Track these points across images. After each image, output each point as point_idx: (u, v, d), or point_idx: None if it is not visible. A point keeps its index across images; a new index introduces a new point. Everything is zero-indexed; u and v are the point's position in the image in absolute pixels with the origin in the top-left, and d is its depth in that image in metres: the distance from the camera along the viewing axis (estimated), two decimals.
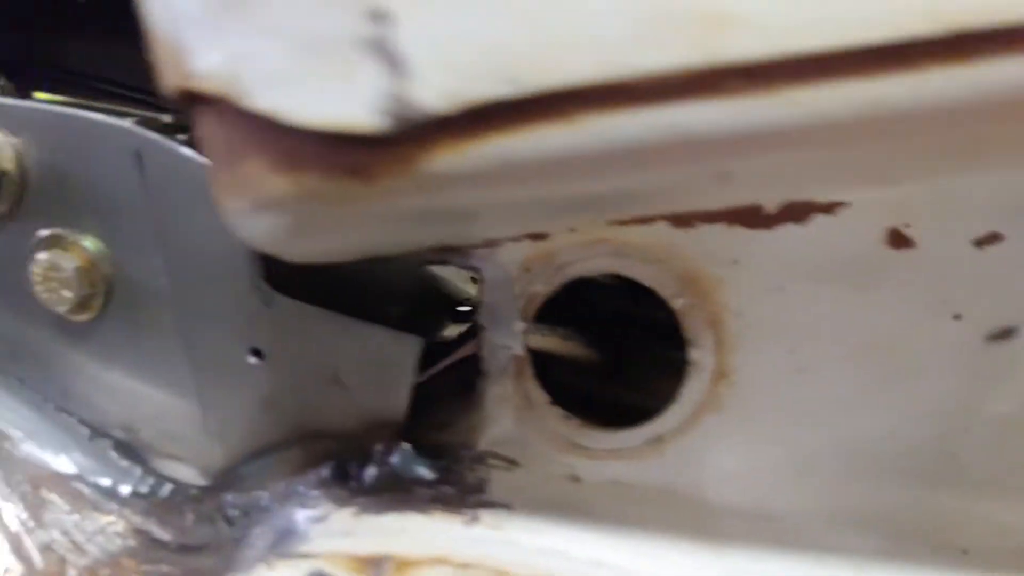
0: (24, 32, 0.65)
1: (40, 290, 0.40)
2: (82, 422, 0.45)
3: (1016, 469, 0.40)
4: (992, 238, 0.35)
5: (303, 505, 0.38)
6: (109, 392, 0.44)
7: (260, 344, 0.39)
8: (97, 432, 0.45)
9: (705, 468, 0.40)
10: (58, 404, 0.45)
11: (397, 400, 0.38)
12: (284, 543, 0.36)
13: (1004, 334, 0.38)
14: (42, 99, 0.43)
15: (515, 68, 0.17)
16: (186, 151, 0.37)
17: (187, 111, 0.24)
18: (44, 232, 0.41)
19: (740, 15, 0.16)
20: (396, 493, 0.37)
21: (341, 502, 0.37)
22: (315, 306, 0.38)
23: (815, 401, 0.39)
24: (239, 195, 0.23)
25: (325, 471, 0.40)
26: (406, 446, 0.38)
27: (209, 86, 0.20)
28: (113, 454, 0.44)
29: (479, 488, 0.38)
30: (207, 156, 0.25)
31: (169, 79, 0.23)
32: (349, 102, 0.18)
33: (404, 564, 0.30)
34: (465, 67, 0.17)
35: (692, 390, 0.39)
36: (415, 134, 0.18)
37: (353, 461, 0.39)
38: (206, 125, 0.23)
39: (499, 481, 0.39)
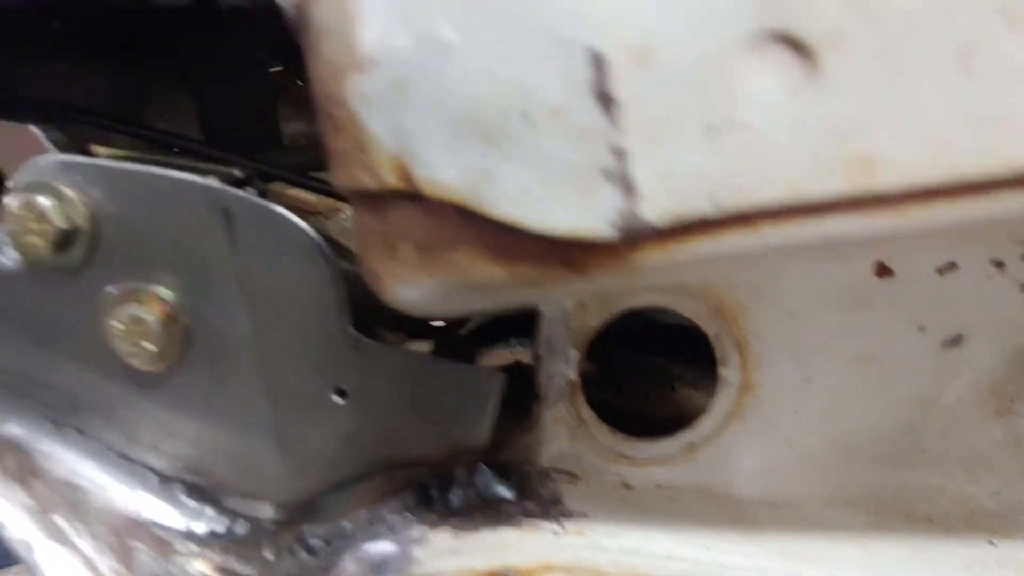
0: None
1: (121, 343, 0.42)
2: (149, 468, 0.46)
3: (962, 448, 0.50)
4: (950, 266, 0.45)
5: (393, 530, 0.42)
6: (180, 437, 0.45)
7: (345, 384, 0.42)
8: (166, 477, 0.46)
9: (732, 468, 0.47)
10: (121, 452, 0.46)
11: (480, 429, 0.42)
12: (391, 567, 0.39)
13: (955, 341, 0.47)
14: (106, 153, 0.43)
15: (718, 193, 0.22)
16: (279, 210, 0.40)
17: (370, 198, 0.28)
18: (118, 286, 0.42)
19: (881, 158, 0.22)
20: (485, 512, 0.41)
21: (434, 524, 0.41)
22: (401, 347, 0.41)
23: (817, 405, 0.48)
24: (432, 275, 0.27)
25: (408, 497, 0.43)
26: (487, 469, 0.43)
27: (437, 192, 0.24)
28: (185, 497, 0.46)
29: (556, 501, 0.43)
30: (382, 241, 0.29)
31: (357, 170, 0.27)
32: (585, 216, 0.23)
33: (523, 574, 0.35)
34: (681, 192, 0.22)
35: (721, 403, 0.47)
36: (633, 240, 0.23)
37: (434, 486, 0.43)
38: (398, 215, 0.27)
39: (569, 493, 0.44)
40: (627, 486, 0.46)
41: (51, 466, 0.44)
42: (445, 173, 0.24)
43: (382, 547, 0.41)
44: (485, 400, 0.42)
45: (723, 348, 0.45)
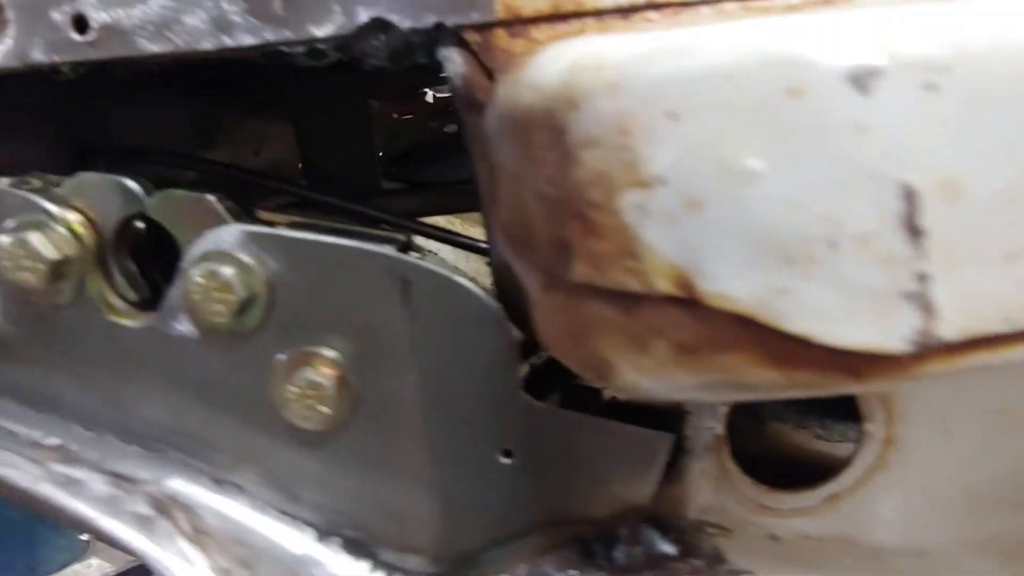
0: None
1: (295, 407, 0.43)
2: (308, 523, 0.47)
3: None
4: None
5: None
6: (341, 493, 0.46)
7: (512, 445, 0.43)
8: (324, 532, 0.47)
9: (873, 518, 0.49)
10: (281, 508, 0.47)
11: (646, 488, 0.43)
12: None
13: None
14: (283, 221, 0.44)
15: (1013, 313, 0.24)
16: (458, 279, 0.41)
17: (619, 296, 0.29)
18: (289, 350, 0.43)
19: None
20: (653, 570, 0.42)
21: None
22: (571, 410, 0.43)
23: (955, 456, 0.49)
24: (691, 373, 0.28)
25: (570, 553, 0.45)
26: (649, 526, 0.44)
27: (722, 304, 0.26)
28: (343, 551, 0.47)
29: (720, 558, 0.44)
30: (628, 335, 0.30)
31: (616, 272, 0.28)
32: (880, 333, 0.24)
33: None
34: (978, 312, 0.23)
35: (865, 455, 0.48)
36: (923, 354, 0.24)
37: (597, 542, 0.44)
38: (657, 315, 0.28)
39: (728, 548, 0.45)
40: (774, 538, 0.48)
41: (219, 524, 0.45)
42: (735, 288, 0.25)
43: None
44: (652, 460, 0.43)
45: (869, 405, 0.47)
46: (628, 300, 0.29)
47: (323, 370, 0.43)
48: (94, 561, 2.00)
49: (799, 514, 0.49)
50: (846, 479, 0.48)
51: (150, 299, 0.47)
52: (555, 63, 0.32)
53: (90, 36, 0.44)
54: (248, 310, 0.42)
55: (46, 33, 0.44)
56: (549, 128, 0.31)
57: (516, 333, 0.41)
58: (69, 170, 0.58)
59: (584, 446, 0.43)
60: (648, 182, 0.26)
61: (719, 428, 0.47)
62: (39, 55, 0.45)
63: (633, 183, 0.27)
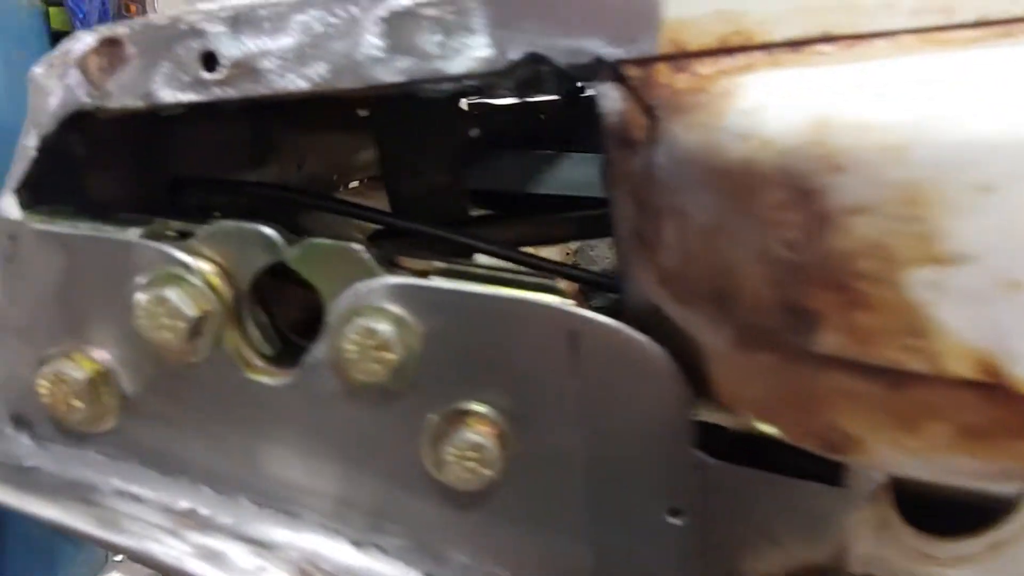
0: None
1: (455, 469, 0.40)
2: None
3: None
4: None
5: None
6: (492, 554, 0.44)
7: (681, 504, 0.41)
8: None
9: None
10: (427, 571, 0.45)
11: (827, 547, 0.41)
12: None
13: None
14: (434, 269, 0.41)
15: None
16: (632, 332, 0.38)
17: (885, 372, 0.27)
18: (443, 408, 0.41)
19: None
20: None
21: None
22: (747, 467, 0.40)
23: None
24: (975, 457, 0.26)
25: None
26: None
27: None
28: None
29: None
30: (892, 413, 0.27)
31: (892, 350, 0.26)
32: None
33: None
34: None
35: None
36: None
37: None
38: (935, 395, 0.26)
39: None
40: None
41: None
42: None
43: None
44: (829, 516, 0.41)
45: None
46: (898, 377, 0.27)
47: (481, 429, 0.40)
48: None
49: (961, 563, 0.46)
50: (1009, 527, 0.46)
51: (282, 352, 0.45)
52: (782, 113, 0.30)
53: (220, 74, 0.41)
54: (404, 368, 0.39)
55: (171, 70, 0.42)
56: (790, 188, 0.28)
57: (689, 389, 0.39)
58: (163, 204, 0.55)
59: (758, 503, 0.41)
60: (949, 259, 0.24)
61: (881, 477, 0.45)
62: (165, 95, 0.42)
63: (926, 258, 0.24)
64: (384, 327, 0.39)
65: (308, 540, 0.44)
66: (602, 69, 0.39)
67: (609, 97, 0.40)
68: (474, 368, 0.40)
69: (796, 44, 0.36)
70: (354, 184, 1.41)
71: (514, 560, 0.44)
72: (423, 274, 0.41)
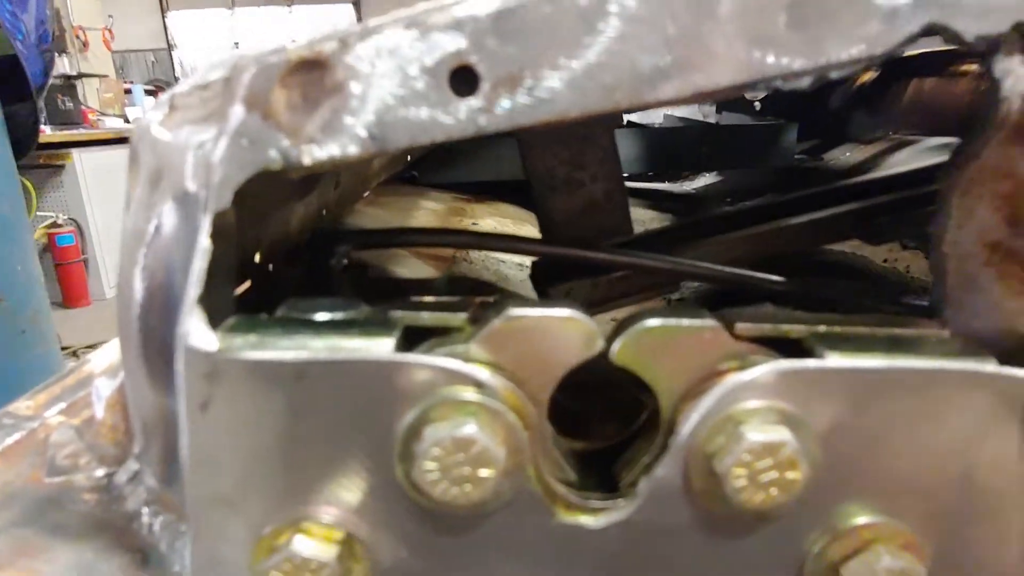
0: None
1: None
2: None
3: None
4: None
5: None
6: None
7: None
8: None
9: None
10: None
11: None
12: None
13: None
14: (787, 331, 0.30)
15: None
16: None
17: None
18: (834, 523, 0.30)
19: None
20: None
21: None
22: None
23: None
24: None
25: None
26: None
27: None
28: None
29: None
30: None
31: None
32: None
33: None
34: None
35: None
36: None
37: None
38: None
39: None
40: None
41: None
42: None
43: None
44: None
45: None
46: None
47: (895, 547, 0.30)
48: None
49: None
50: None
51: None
52: None
53: (479, 100, 0.28)
54: (806, 487, 0.28)
55: (408, 99, 0.29)
56: None
57: None
58: (302, 257, 0.42)
59: None
60: None
61: None
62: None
63: None
64: (787, 436, 0.27)
65: None
66: (1013, 41, 0.29)
67: (1015, 74, 0.29)
68: (878, 468, 0.30)
69: None
70: (366, 193, 1.27)
71: None
72: (802, 347, 0.29)
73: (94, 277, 5.78)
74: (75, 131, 5.52)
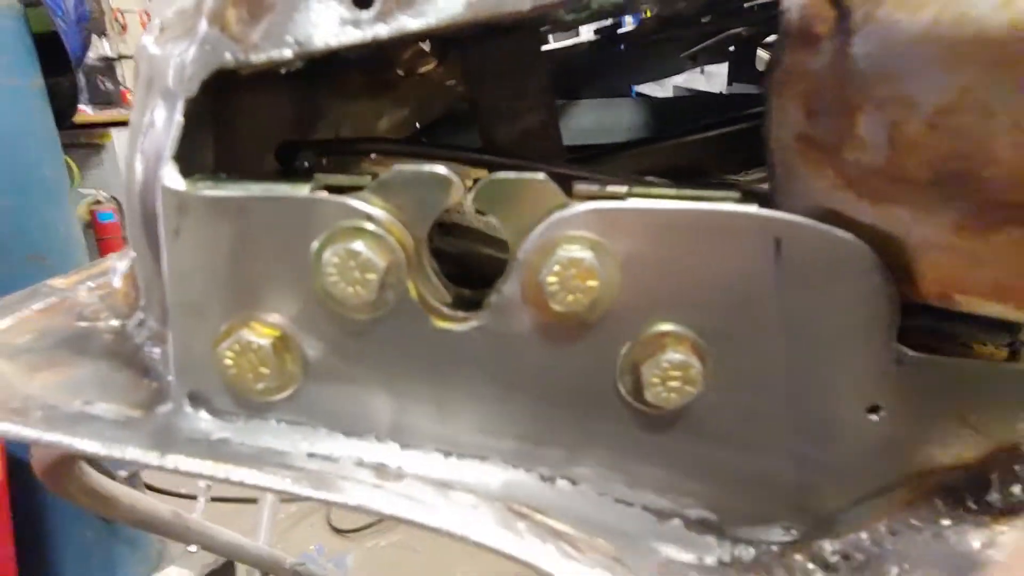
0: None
1: (659, 391, 0.40)
2: (646, 508, 0.45)
3: None
4: None
5: (937, 536, 0.42)
6: (686, 473, 0.44)
7: (881, 401, 0.41)
8: (663, 514, 0.45)
9: None
10: (618, 497, 0.45)
11: (1019, 425, 0.42)
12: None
13: None
14: (614, 192, 0.40)
15: None
16: (838, 232, 0.38)
17: None
18: (640, 332, 0.40)
19: None
20: None
21: (985, 526, 0.41)
22: (943, 356, 0.40)
23: None
24: None
25: (939, 503, 0.43)
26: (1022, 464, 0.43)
27: None
28: (685, 530, 0.45)
29: None
30: None
31: None
32: None
33: None
34: None
35: None
36: None
37: (966, 489, 0.43)
38: None
39: None
40: None
41: (566, 521, 0.43)
42: None
43: (935, 555, 0.41)
44: None
45: None
46: None
47: (682, 348, 0.40)
48: (172, 570, 1.99)
49: None
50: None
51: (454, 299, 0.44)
52: None
53: (375, 9, 0.39)
54: (603, 296, 0.39)
55: (320, 12, 0.39)
56: None
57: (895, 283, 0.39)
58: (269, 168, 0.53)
59: (959, 392, 0.41)
60: None
61: None
62: (318, 40, 0.40)
63: None
64: (587, 254, 0.38)
65: (500, 481, 0.44)
66: None
67: None
68: (671, 289, 0.40)
69: None
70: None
71: (711, 476, 0.44)
72: (611, 199, 0.40)
73: None
74: (114, 111, 5.73)
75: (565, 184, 0.41)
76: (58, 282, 0.60)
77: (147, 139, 0.46)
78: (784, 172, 0.43)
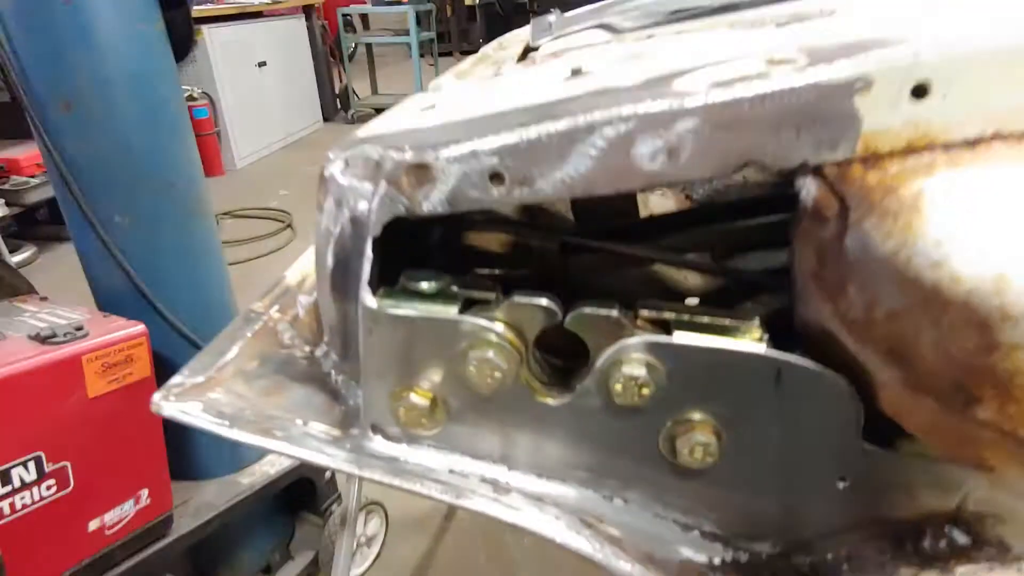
0: None
1: (686, 456, 0.58)
2: (674, 521, 0.65)
3: None
4: None
5: (880, 567, 0.60)
6: (706, 504, 0.63)
7: (847, 474, 0.58)
8: (687, 526, 0.65)
9: None
10: (655, 513, 0.65)
11: (950, 500, 0.58)
12: None
13: None
14: (663, 316, 0.58)
15: None
16: (823, 370, 0.54)
17: None
18: (675, 417, 0.58)
19: None
20: (956, 559, 0.58)
21: (915, 565, 0.59)
22: (894, 451, 0.57)
23: None
24: None
25: (886, 543, 0.61)
26: (952, 524, 0.59)
27: None
28: (703, 540, 0.65)
29: (1005, 546, 0.59)
30: None
31: None
32: None
33: None
34: None
35: None
36: None
37: (907, 536, 0.60)
38: None
39: (1010, 535, 0.60)
40: None
41: (620, 528, 0.64)
42: None
43: None
44: (958, 485, 0.57)
45: None
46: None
47: (705, 431, 0.58)
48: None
49: None
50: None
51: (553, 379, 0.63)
52: (969, 257, 0.43)
53: (504, 188, 0.56)
54: (654, 396, 0.57)
55: (468, 185, 0.57)
56: (970, 315, 0.42)
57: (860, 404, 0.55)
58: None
59: (902, 474, 0.58)
60: None
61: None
62: (463, 204, 0.57)
63: None
64: (642, 372, 0.56)
65: (575, 495, 0.65)
66: (805, 169, 0.52)
67: (808, 189, 0.53)
68: (701, 392, 0.57)
69: (972, 143, 0.47)
70: None
71: (721, 508, 0.63)
72: (661, 324, 0.57)
73: (226, 148, 6.25)
74: (204, 6, 5.88)
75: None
76: (257, 306, 0.83)
77: (338, 241, 0.66)
78: (802, 294, 0.59)
